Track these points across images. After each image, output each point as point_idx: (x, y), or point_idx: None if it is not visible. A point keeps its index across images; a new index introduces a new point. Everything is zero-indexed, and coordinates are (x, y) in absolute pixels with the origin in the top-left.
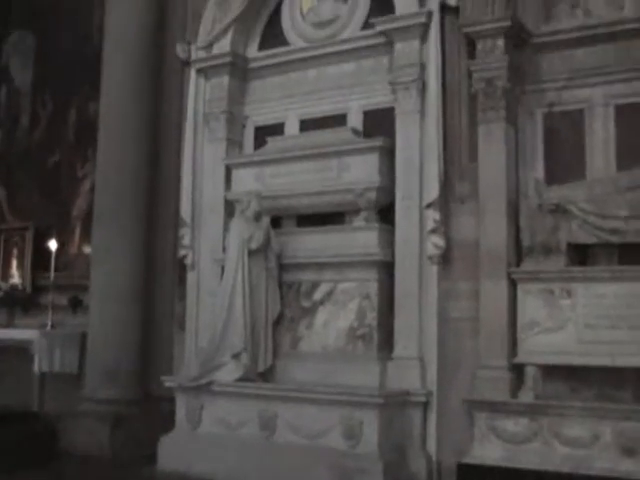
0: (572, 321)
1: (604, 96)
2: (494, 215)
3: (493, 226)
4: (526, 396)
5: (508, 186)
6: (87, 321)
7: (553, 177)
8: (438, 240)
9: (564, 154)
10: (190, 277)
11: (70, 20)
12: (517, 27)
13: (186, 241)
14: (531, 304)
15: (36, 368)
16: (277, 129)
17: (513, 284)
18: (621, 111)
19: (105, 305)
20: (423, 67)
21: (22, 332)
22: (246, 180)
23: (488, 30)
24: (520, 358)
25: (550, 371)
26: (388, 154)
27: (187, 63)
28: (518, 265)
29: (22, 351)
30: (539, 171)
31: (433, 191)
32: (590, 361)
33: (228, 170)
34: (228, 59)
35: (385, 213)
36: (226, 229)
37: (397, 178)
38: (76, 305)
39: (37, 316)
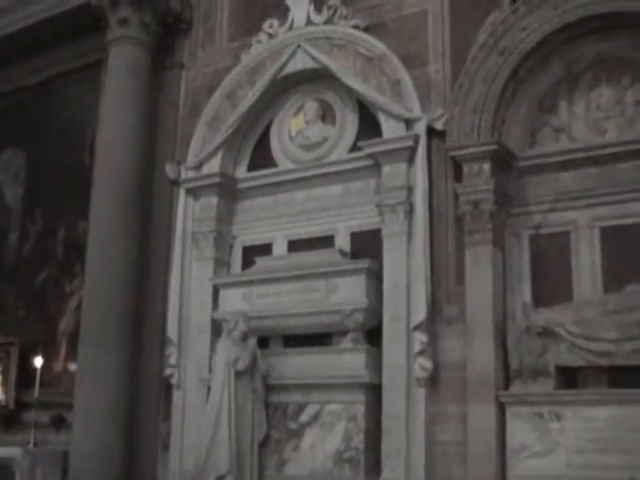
0: (562, 445)
1: (589, 218)
2: (481, 338)
3: (480, 349)
4: None
5: (495, 308)
6: (70, 439)
7: (540, 299)
8: (425, 362)
9: (551, 276)
10: (176, 397)
11: (61, 138)
12: (503, 151)
13: (172, 360)
14: (520, 428)
15: None
16: (265, 249)
17: (501, 407)
18: (606, 233)
19: (88, 424)
20: (410, 190)
21: (4, 450)
22: (233, 300)
23: (474, 154)
24: None
25: None
26: (375, 276)
27: (176, 183)
28: (506, 388)
29: (3, 469)
30: (526, 293)
31: (420, 313)
32: None
33: (216, 289)
34: (217, 179)
35: (373, 334)
36: (213, 349)
37: (384, 300)
38: (59, 423)
39: (19, 433)
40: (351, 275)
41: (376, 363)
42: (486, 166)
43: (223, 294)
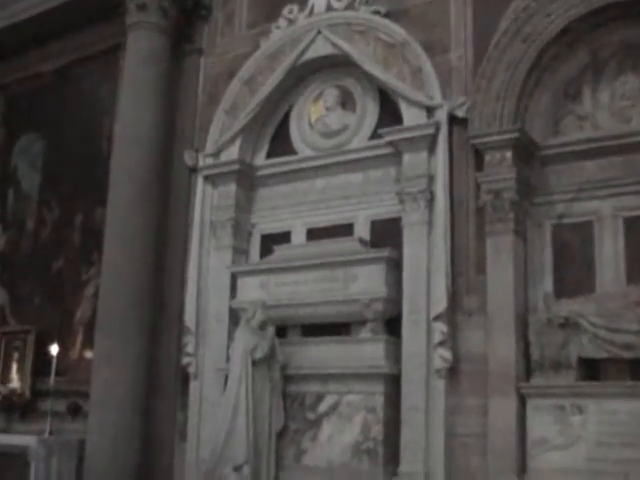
0: (583, 438)
1: (613, 208)
2: (502, 329)
3: (501, 340)
4: None
5: (516, 299)
6: (86, 428)
7: (562, 290)
8: (445, 353)
9: (573, 267)
10: (193, 386)
11: (79, 126)
12: (525, 140)
13: (190, 349)
14: (541, 420)
15: (32, 478)
16: (284, 238)
17: (522, 400)
18: (631, 224)
19: (105, 413)
20: (431, 178)
21: (19, 438)
22: (251, 288)
23: (496, 142)
24: (529, 476)
25: None
26: (395, 265)
27: (194, 170)
28: (527, 380)
29: (19, 458)
30: (548, 284)
31: (440, 304)
32: None
33: (234, 278)
34: (235, 167)
35: (392, 325)
36: (231, 338)
37: (404, 290)
38: (75, 411)
39: (35, 422)
40: (370, 264)
41: (395, 354)
42: (508, 154)
43: (241, 283)
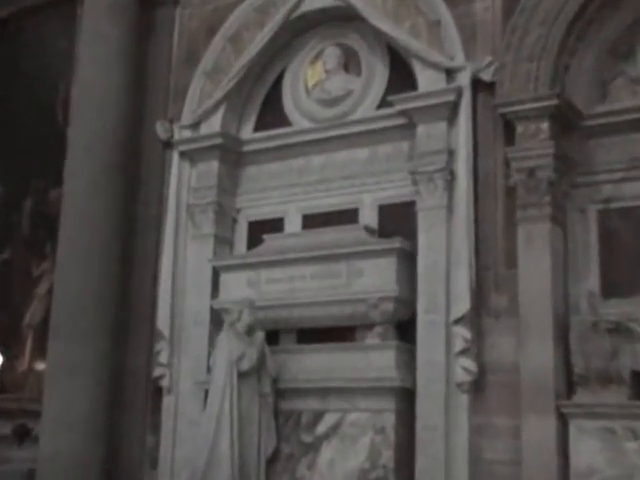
0: None
1: None
2: (538, 334)
3: (537, 348)
4: None
5: (554, 299)
6: (36, 456)
7: (611, 289)
8: (469, 363)
9: (624, 260)
10: (166, 403)
11: (28, 90)
12: (566, 107)
13: (163, 358)
14: (587, 446)
15: None
16: (275, 225)
17: (563, 420)
18: None
19: (59, 436)
20: (451, 154)
21: None
22: (237, 286)
23: (530, 111)
24: None
25: None
26: (408, 258)
27: (169, 145)
28: (569, 397)
29: None
30: (593, 281)
31: (463, 304)
32: None
33: (216, 273)
34: (218, 141)
35: (405, 329)
36: (212, 345)
37: (419, 287)
38: (23, 435)
39: None
40: (379, 257)
41: (409, 363)
42: (544, 125)
43: (225, 279)
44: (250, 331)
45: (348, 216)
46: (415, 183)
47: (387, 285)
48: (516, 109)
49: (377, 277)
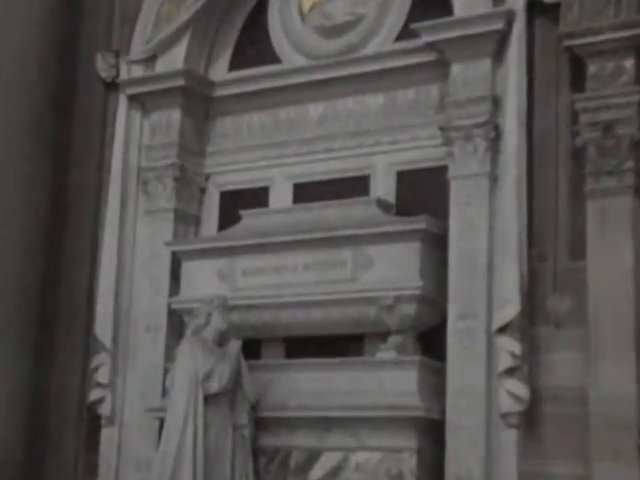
0: None
1: None
2: (614, 350)
3: (612, 368)
4: None
5: (638, 302)
6: None
7: None
8: (518, 388)
9: None
10: (107, 437)
11: None
12: None
13: (103, 377)
14: None
15: None
16: (257, 197)
17: None
18: None
19: None
20: (496, 103)
21: None
22: (205, 279)
23: (608, 43)
24: None
25: None
26: (436, 243)
27: (113, 86)
28: None
29: None
30: None
31: (510, 306)
32: None
33: (176, 262)
34: (180, 82)
35: (430, 339)
36: (170, 359)
37: (450, 283)
38: None
39: None
40: (397, 241)
41: (436, 386)
42: (628, 64)
43: (188, 269)
44: (222, 340)
45: (355, 186)
46: (447, 142)
47: (407, 280)
48: (589, 41)
49: (394, 269)
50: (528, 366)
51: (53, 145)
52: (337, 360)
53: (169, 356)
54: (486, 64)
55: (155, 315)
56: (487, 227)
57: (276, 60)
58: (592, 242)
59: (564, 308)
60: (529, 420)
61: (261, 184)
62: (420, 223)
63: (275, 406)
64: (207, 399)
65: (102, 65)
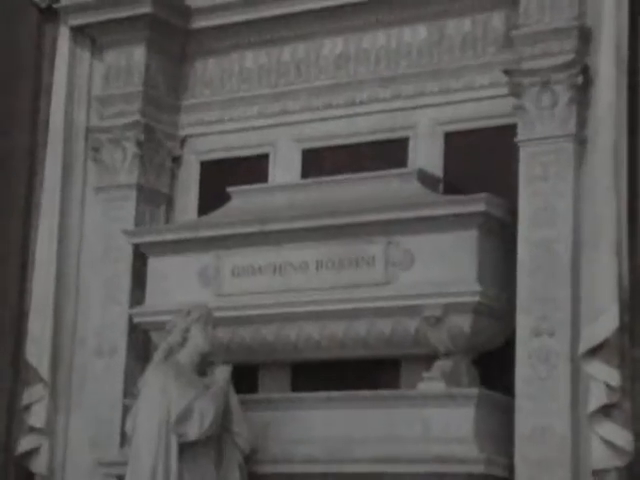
0: None
1: None
2: None
3: None
4: None
5: None
6: None
7: None
8: (616, 433)
9: None
10: None
11: None
12: None
13: (37, 419)
14: None
15: None
16: (252, 169)
17: None
18: None
19: None
20: (586, 36)
21: None
22: (181, 281)
23: None
24: None
25: None
26: (500, 233)
27: (50, 12)
28: None
29: None
30: None
31: (605, 319)
32: None
33: (140, 258)
34: (146, 7)
35: (492, 364)
36: (131, 393)
37: (520, 286)
38: None
39: None
40: (445, 229)
41: (500, 430)
42: None
43: (156, 268)
44: (204, 366)
45: (388, 153)
46: (515, 92)
47: (460, 282)
48: None
49: (441, 267)
50: (630, 403)
51: None
52: (363, 394)
53: (130, 389)
54: None
55: (110, 333)
56: (571, 210)
57: None
58: None
59: None
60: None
61: (258, 151)
62: (478, 204)
63: (277, 458)
64: (183, 449)
65: None
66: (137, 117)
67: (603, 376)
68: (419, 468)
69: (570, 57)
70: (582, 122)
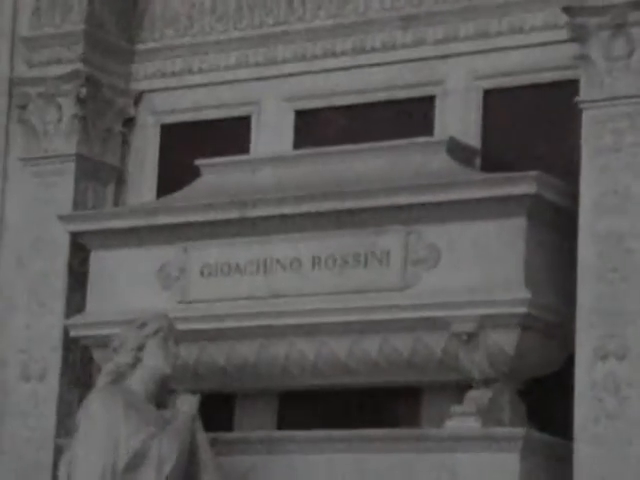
0: None
1: None
2: None
3: None
4: None
5: None
6: None
7: None
8: None
9: None
10: None
11: None
12: None
13: None
14: None
15: None
16: (229, 136)
17: None
18: None
19: None
20: None
21: None
22: (134, 282)
23: None
24: None
25: None
26: (556, 222)
27: None
28: None
29: None
30: None
31: None
32: None
33: (79, 251)
34: None
35: (545, 396)
36: (65, 429)
37: (580, 293)
38: None
39: None
40: (483, 217)
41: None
42: None
43: (102, 265)
44: (163, 394)
45: (410, 116)
46: (577, 36)
47: (503, 287)
48: None
49: (477, 267)
50: None
51: None
52: (373, 433)
53: (65, 424)
54: None
55: (39, 350)
56: None
57: None
58: None
59: None
60: None
61: (236, 112)
62: (527, 185)
63: None
64: None
65: None
66: (77, 65)
67: None
68: None
69: None
70: None
